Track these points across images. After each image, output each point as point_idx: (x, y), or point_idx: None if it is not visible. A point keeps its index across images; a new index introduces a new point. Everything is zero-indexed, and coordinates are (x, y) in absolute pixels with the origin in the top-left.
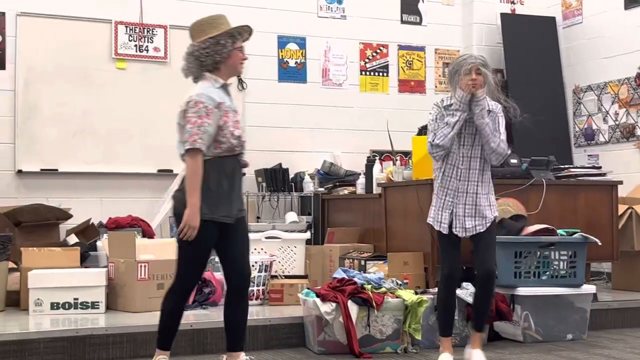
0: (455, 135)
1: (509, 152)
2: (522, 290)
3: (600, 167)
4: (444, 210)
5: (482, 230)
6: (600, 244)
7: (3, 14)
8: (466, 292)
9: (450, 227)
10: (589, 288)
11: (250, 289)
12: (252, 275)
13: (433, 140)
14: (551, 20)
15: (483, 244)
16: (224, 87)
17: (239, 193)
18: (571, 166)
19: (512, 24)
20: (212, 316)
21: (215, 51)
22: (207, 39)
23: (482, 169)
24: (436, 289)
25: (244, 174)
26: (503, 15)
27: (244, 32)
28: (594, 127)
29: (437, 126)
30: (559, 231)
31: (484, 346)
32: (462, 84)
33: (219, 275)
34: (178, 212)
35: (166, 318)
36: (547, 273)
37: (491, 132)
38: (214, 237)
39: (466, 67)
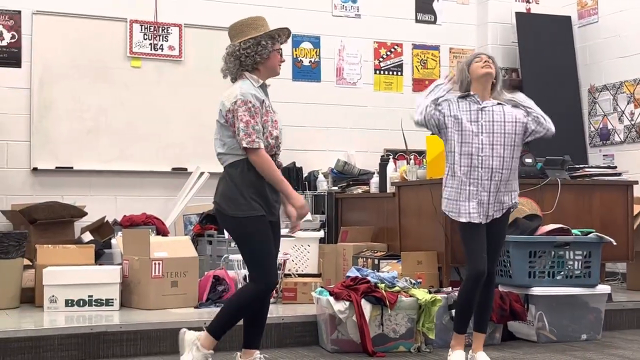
0: (466, 123)
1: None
2: (537, 290)
3: (615, 167)
4: (470, 201)
5: (498, 216)
6: (615, 244)
7: (19, 12)
8: None
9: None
10: (603, 288)
11: None
12: None
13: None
14: (566, 20)
15: (494, 242)
16: (263, 87)
17: (278, 194)
18: (586, 166)
19: (527, 23)
20: None
21: (256, 52)
22: (248, 39)
23: (504, 156)
24: (449, 288)
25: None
26: (518, 14)
27: (283, 34)
28: (610, 126)
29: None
30: (573, 231)
31: (498, 346)
32: (475, 72)
33: (233, 273)
34: (225, 219)
35: (238, 311)
36: (562, 273)
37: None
38: (267, 228)
39: (475, 54)
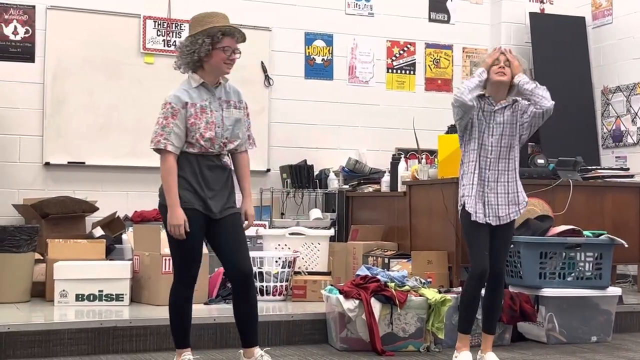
0: (482, 123)
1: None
2: (547, 291)
3: (627, 169)
4: (477, 201)
5: (516, 217)
6: (626, 246)
7: (33, 7)
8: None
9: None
10: (614, 290)
11: (273, 284)
12: (276, 271)
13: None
14: (581, 20)
15: (501, 242)
16: (205, 86)
17: (223, 192)
18: (598, 167)
19: (541, 23)
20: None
21: (194, 50)
22: (188, 36)
23: (510, 158)
24: (460, 289)
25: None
26: (532, 14)
27: (232, 32)
28: (622, 128)
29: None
30: (585, 232)
31: (507, 347)
32: (491, 75)
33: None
34: (160, 206)
35: (173, 315)
36: (573, 274)
37: (542, 93)
38: (198, 227)
39: (495, 60)
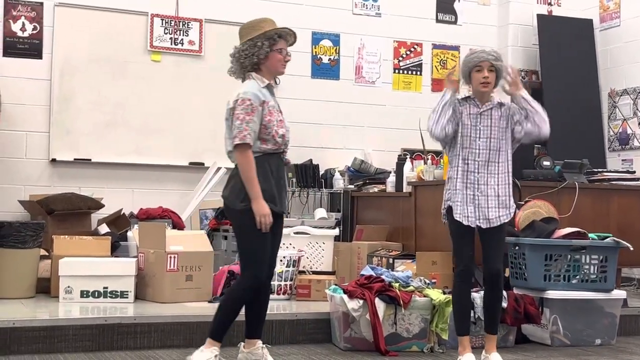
0: (466, 127)
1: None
2: (552, 294)
3: (634, 172)
4: (468, 205)
5: (506, 221)
6: (632, 249)
7: (41, 4)
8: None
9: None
10: (619, 293)
11: (277, 283)
12: (280, 270)
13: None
14: (588, 23)
15: (494, 241)
16: (269, 87)
17: (285, 190)
18: (604, 170)
19: (548, 25)
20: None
21: (252, 53)
22: (246, 41)
23: (499, 161)
24: None
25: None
26: (539, 16)
27: (286, 34)
28: (629, 131)
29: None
30: (590, 235)
31: (511, 348)
32: (474, 83)
33: None
34: (230, 212)
35: (230, 309)
36: (577, 277)
37: (541, 116)
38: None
39: (476, 62)
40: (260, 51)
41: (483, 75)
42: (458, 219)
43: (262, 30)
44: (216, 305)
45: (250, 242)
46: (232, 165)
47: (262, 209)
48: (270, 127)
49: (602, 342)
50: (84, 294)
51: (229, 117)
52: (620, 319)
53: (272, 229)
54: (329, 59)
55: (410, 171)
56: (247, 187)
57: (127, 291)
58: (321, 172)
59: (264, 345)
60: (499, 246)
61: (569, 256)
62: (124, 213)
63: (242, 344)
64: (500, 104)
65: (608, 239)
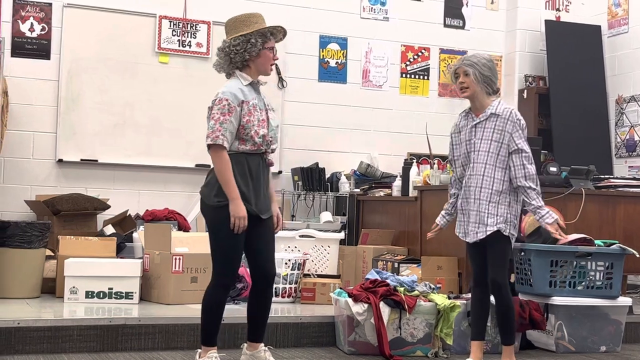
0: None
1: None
2: (557, 300)
3: None
4: (458, 217)
5: (482, 237)
6: (638, 255)
7: (50, 4)
8: None
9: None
10: (624, 300)
11: (282, 286)
12: (285, 273)
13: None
14: (596, 29)
15: (489, 254)
16: (253, 85)
17: (265, 191)
18: (611, 177)
19: (556, 31)
20: (244, 311)
21: (245, 49)
22: (238, 36)
23: (494, 177)
24: (469, 295)
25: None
26: (547, 22)
27: (277, 32)
28: (636, 138)
29: (450, 144)
30: (596, 241)
31: (516, 354)
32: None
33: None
34: (204, 207)
35: (207, 314)
36: (583, 283)
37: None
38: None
39: (453, 71)
40: (253, 48)
41: (459, 81)
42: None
43: (255, 27)
44: None
45: (221, 241)
46: None
47: (238, 211)
48: (249, 127)
49: (607, 349)
50: (89, 294)
51: (208, 116)
52: (625, 326)
53: (254, 230)
54: (336, 63)
55: (417, 175)
56: (224, 188)
57: (132, 292)
58: (327, 175)
59: (267, 348)
60: (492, 260)
61: (575, 262)
62: (129, 214)
63: (245, 344)
64: (495, 115)
65: (614, 246)
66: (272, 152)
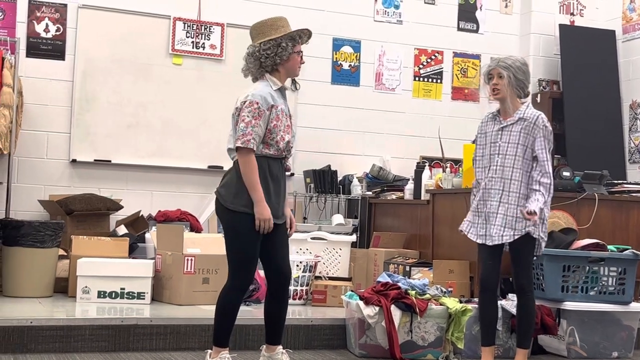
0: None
1: (549, 175)
2: (569, 305)
3: None
4: (475, 219)
5: (508, 241)
6: None
7: (65, 5)
8: (511, 303)
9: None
10: (637, 306)
11: (293, 288)
12: (296, 275)
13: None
14: (610, 34)
15: (515, 257)
16: (281, 90)
17: (283, 196)
18: (624, 182)
19: (570, 35)
20: (255, 313)
21: (276, 53)
22: (268, 40)
23: (513, 179)
24: None
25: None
26: (562, 26)
27: (304, 35)
28: None
29: (476, 146)
30: (609, 247)
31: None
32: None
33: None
34: (220, 209)
35: (222, 315)
36: (595, 288)
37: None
38: (260, 234)
39: (486, 72)
40: (283, 52)
41: (493, 82)
42: (462, 228)
43: (283, 31)
44: None
45: (238, 244)
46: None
47: (264, 213)
48: (276, 132)
49: (619, 355)
50: (101, 294)
51: (234, 116)
52: (638, 332)
53: (275, 237)
54: (350, 65)
55: (429, 179)
56: (250, 191)
57: (144, 292)
58: (339, 178)
59: (284, 351)
60: (516, 262)
61: (587, 268)
62: (142, 215)
63: (264, 346)
64: (522, 119)
65: (627, 251)
66: (289, 158)
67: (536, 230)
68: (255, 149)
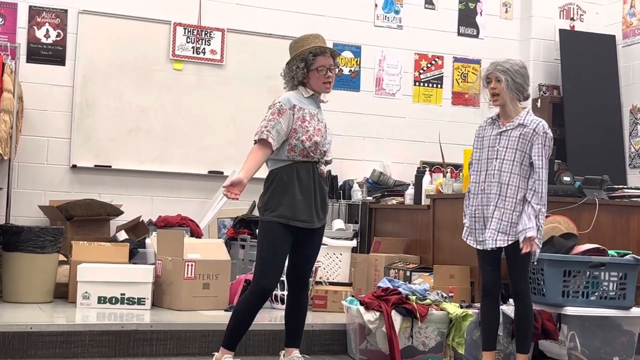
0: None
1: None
2: (570, 310)
3: None
4: (472, 224)
5: (502, 245)
6: None
7: (65, 11)
8: (512, 308)
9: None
10: (638, 311)
11: None
12: None
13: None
14: (611, 39)
15: (511, 263)
16: (314, 98)
17: (320, 201)
18: (625, 187)
19: (570, 40)
20: (257, 318)
21: (292, 76)
22: (290, 59)
23: (510, 184)
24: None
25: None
26: (562, 31)
27: (320, 52)
28: None
29: (473, 149)
30: (610, 252)
31: None
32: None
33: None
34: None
35: (237, 317)
36: (596, 293)
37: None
38: (289, 240)
39: (485, 75)
40: (297, 73)
41: (491, 86)
42: (462, 235)
43: (300, 50)
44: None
45: (261, 251)
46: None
47: (231, 180)
48: (301, 132)
49: None
50: (102, 299)
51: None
52: (638, 337)
53: (306, 243)
54: (350, 71)
55: (429, 184)
56: (243, 169)
57: (144, 298)
58: (340, 183)
59: (300, 356)
60: (513, 267)
61: (588, 273)
62: (142, 220)
63: (283, 352)
64: (522, 125)
65: (628, 256)
66: (328, 164)
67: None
68: (268, 140)
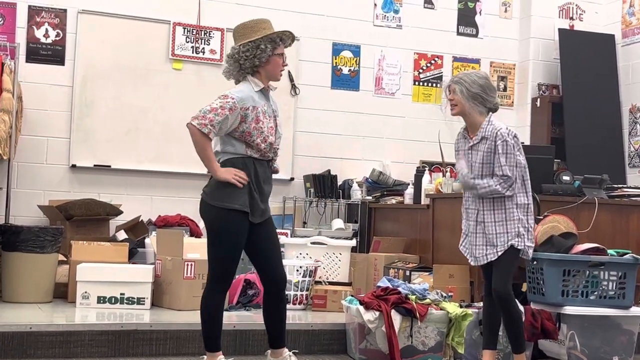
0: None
1: (508, 188)
2: (569, 309)
3: None
4: (463, 238)
5: (493, 259)
6: None
7: (64, 10)
8: None
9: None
10: (637, 310)
11: (294, 293)
12: (296, 280)
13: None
14: (610, 38)
15: (494, 265)
16: (263, 91)
17: (266, 198)
18: (624, 186)
19: (570, 40)
20: (255, 318)
21: (254, 55)
22: (247, 42)
23: (493, 198)
24: (481, 303)
25: (292, 179)
26: (561, 30)
27: (286, 38)
28: None
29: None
30: (609, 251)
31: None
32: None
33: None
34: (204, 208)
35: (207, 319)
36: (596, 293)
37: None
38: (244, 231)
39: (444, 89)
40: (262, 54)
41: (449, 98)
42: (461, 250)
43: (264, 33)
44: (231, 313)
45: (220, 243)
46: None
47: (226, 173)
48: (255, 134)
49: (620, 359)
50: (101, 299)
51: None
52: (638, 337)
53: (260, 239)
54: (349, 70)
55: (429, 183)
56: (207, 164)
57: (144, 298)
58: (339, 182)
59: (291, 353)
60: (497, 270)
61: (587, 272)
62: (142, 220)
63: (269, 352)
64: (485, 138)
65: (627, 256)
66: (276, 160)
67: (521, 242)
68: (210, 135)
